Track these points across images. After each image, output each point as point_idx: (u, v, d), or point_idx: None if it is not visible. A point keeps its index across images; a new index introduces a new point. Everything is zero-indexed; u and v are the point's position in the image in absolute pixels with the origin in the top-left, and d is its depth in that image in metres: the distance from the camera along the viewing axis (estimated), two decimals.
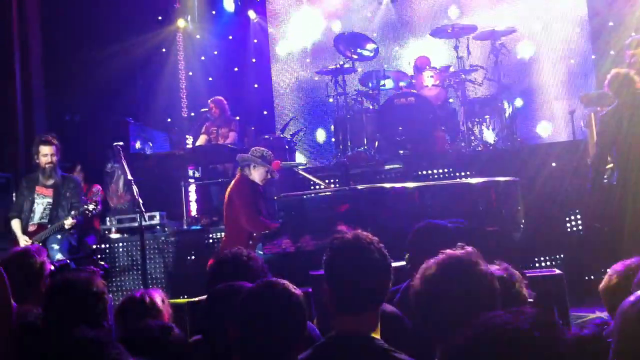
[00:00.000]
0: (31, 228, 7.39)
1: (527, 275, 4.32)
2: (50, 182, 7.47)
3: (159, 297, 3.44)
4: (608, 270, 3.37)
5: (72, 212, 7.26)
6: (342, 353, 2.54)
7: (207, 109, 9.98)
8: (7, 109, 9.85)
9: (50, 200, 7.43)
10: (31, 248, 4.49)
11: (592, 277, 7.28)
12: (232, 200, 6.84)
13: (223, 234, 8.31)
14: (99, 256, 6.49)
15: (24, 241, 7.22)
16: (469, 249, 2.38)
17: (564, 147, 8.55)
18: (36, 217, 7.41)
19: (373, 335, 2.62)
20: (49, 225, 7.31)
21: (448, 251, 2.38)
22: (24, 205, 7.42)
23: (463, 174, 8.21)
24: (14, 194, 8.70)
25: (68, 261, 5.45)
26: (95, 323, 2.89)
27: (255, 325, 2.49)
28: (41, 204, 7.43)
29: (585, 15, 11.05)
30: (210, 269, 3.73)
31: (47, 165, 7.38)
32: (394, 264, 2.82)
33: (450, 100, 9.91)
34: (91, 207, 7.20)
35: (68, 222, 7.23)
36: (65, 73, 10.58)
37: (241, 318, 2.52)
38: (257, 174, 6.92)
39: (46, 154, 7.38)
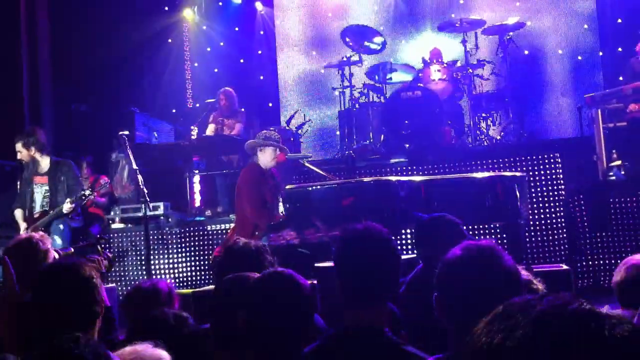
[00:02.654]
0: (36, 216, 7.42)
1: (534, 269, 4.31)
2: (44, 169, 7.46)
3: (167, 286, 3.43)
4: (619, 264, 3.33)
5: (70, 198, 7.22)
6: (351, 345, 2.53)
7: (214, 100, 9.97)
8: (14, 98, 9.85)
9: (47, 187, 7.43)
10: (35, 235, 4.47)
11: (600, 273, 7.27)
12: (238, 190, 6.83)
13: (227, 225, 8.33)
14: (102, 245, 6.44)
15: (23, 229, 7.26)
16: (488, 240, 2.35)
17: (571, 143, 8.52)
18: (37, 206, 7.44)
19: (382, 327, 2.60)
20: (50, 212, 7.32)
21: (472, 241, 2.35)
22: (26, 195, 7.47)
23: (469, 168, 8.20)
24: (18, 183, 8.72)
25: (72, 249, 5.45)
26: (85, 309, 2.83)
27: (261, 315, 2.48)
28: (39, 192, 7.44)
29: (594, 11, 11.00)
30: (219, 259, 3.72)
31: (23, 161, 7.44)
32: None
33: (457, 94, 9.87)
34: (87, 192, 7.14)
35: (66, 207, 7.17)
36: (72, 63, 10.58)
37: (248, 307, 2.51)
38: (265, 157, 6.84)
39: (18, 150, 7.41)
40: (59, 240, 7.06)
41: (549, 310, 1.22)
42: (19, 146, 7.39)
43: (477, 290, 2.13)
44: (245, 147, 7.10)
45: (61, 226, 7.30)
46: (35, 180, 7.45)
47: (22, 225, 7.38)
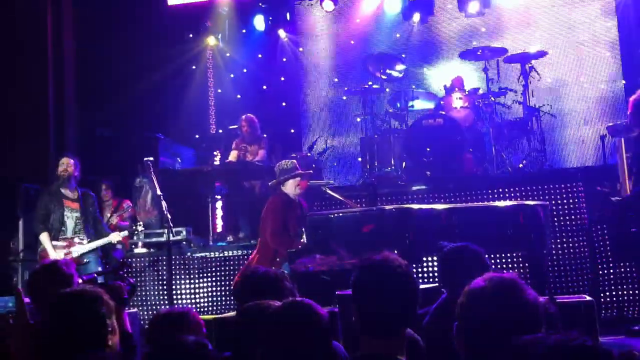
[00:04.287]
0: (62, 242, 7.48)
1: (557, 300, 4.28)
2: (74, 195, 7.61)
3: (190, 313, 3.44)
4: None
5: (124, 232, 7.67)
6: None
7: (236, 126, 10.04)
8: (40, 123, 10.00)
9: (79, 214, 7.56)
10: (60, 261, 4.52)
11: (625, 304, 7.19)
12: (264, 217, 6.98)
13: (248, 251, 8.35)
14: (125, 271, 6.52)
15: (52, 252, 7.30)
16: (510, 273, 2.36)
17: (594, 172, 8.47)
18: (69, 231, 7.51)
19: (399, 357, 2.61)
20: (86, 239, 7.49)
21: (495, 273, 2.36)
22: (52, 217, 7.47)
23: (491, 196, 8.17)
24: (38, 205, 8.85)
25: (95, 275, 5.50)
26: (92, 337, 2.85)
27: (279, 345, 2.49)
28: (71, 217, 7.54)
29: (616, 40, 10.98)
30: (239, 287, 3.74)
31: (61, 174, 7.53)
32: (421, 287, 2.80)
33: (479, 122, 9.85)
34: (140, 228, 7.48)
35: (115, 237, 7.53)
36: (96, 88, 10.73)
37: (267, 337, 2.53)
38: (288, 188, 7.02)
39: (62, 163, 7.60)
40: (93, 267, 7.28)
41: (555, 346, 1.29)
42: (70, 162, 7.57)
43: (497, 322, 2.14)
44: (269, 186, 7.26)
45: (95, 252, 7.54)
46: (66, 203, 7.54)
47: (50, 249, 7.36)
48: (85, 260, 7.38)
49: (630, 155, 7.02)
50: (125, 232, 7.78)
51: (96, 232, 7.62)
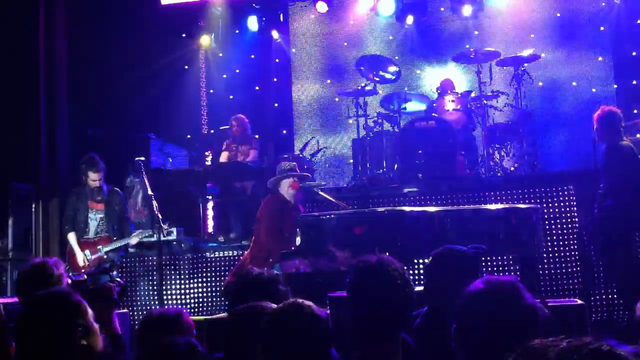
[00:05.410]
0: (87, 241, 7.73)
1: (549, 304, 4.28)
2: (100, 197, 7.81)
3: (182, 315, 3.42)
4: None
5: (137, 232, 7.72)
6: None
7: (228, 127, 10.03)
8: (31, 122, 9.95)
9: (102, 215, 7.81)
10: (49, 260, 4.49)
11: (614, 307, 7.20)
12: (258, 218, 7.01)
13: (239, 251, 8.34)
14: (115, 272, 6.49)
15: (82, 257, 7.63)
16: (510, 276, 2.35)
17: (585, 176, 8.48)
18: (92, 232, 7.77)
19: None
20: (113, 238, 7.73)
21: (494, 276, 2.35)
22: (77, 218, 7.76)
23: (482, 199, 8.17)
24: (39, 205, 8.83)
25: (85, 275, 5.47)
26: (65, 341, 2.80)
27: (279, 346, 2.46)
28: (94, 218, 7.79)
29: (609, 44, 11.01)
30: (232, 288, 3.72)
31: (95, 188, 7.77)
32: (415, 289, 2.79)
33: (471, 125, 9.86)
34: (165, 226, 7.53)
35: (134, 240, 7.70)
36: (88, 88, 10.68)
37: (266, 339, 2.50)
38: (283, 189, 7.06)
39: (95, 179, 7.74)
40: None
41: (569, 350, 1.26)
42: (99, 175, 7.72)
43: (495, 325, 2.13)
44: (268, 185, 7.28)
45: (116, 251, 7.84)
46: (90, 204, 7.79)
47: (77, 248, 7.68)
48: (107, 258, 7.61)
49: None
50: (149, 231, 7.79)
51: (120, 232, 7.85)
